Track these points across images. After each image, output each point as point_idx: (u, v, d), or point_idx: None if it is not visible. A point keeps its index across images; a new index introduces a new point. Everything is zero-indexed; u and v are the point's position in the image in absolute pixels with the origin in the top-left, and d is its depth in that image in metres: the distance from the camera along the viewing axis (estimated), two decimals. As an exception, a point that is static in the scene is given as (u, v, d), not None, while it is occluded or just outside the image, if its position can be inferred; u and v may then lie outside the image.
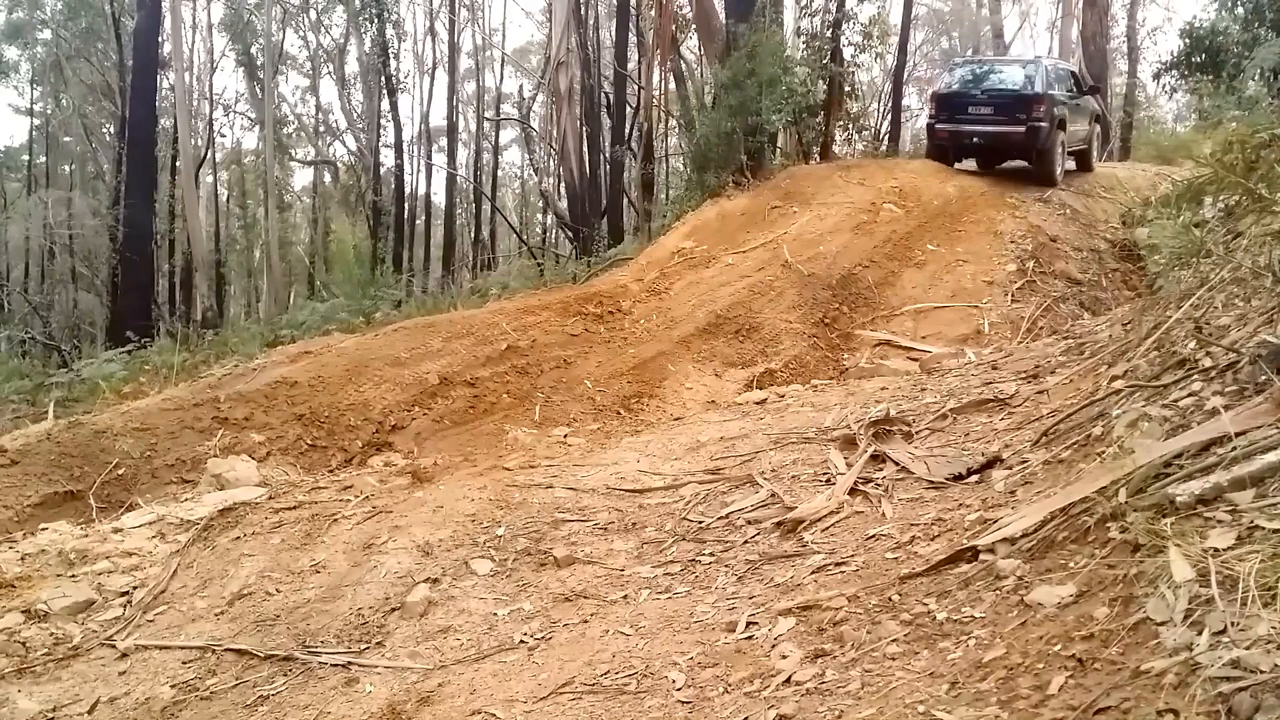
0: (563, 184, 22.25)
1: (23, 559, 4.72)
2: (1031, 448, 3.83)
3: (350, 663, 3.52)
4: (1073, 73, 15.20)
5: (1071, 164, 14.08)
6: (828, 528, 3.75)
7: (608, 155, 21.43)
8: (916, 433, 4.54)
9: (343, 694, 3.34)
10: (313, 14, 31.36)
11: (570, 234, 20.85)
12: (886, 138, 22.28)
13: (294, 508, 5.12)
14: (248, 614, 4.02)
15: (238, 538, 4.80)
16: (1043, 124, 12.60)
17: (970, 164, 14.01)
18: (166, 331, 17.21)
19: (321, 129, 34.67)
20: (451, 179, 30.95)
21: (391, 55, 27.58)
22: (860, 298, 9.76)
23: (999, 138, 12.97)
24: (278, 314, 18.88)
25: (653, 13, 21.06)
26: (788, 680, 2.71)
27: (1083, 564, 2.59)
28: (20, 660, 3.92)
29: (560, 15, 18.41)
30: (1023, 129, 12.62)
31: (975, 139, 13.20)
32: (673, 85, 21.64)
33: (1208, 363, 3.31)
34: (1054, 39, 32.77)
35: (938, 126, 13.70)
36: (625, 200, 22.41)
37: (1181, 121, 25.79)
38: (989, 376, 5.35)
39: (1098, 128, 15.48)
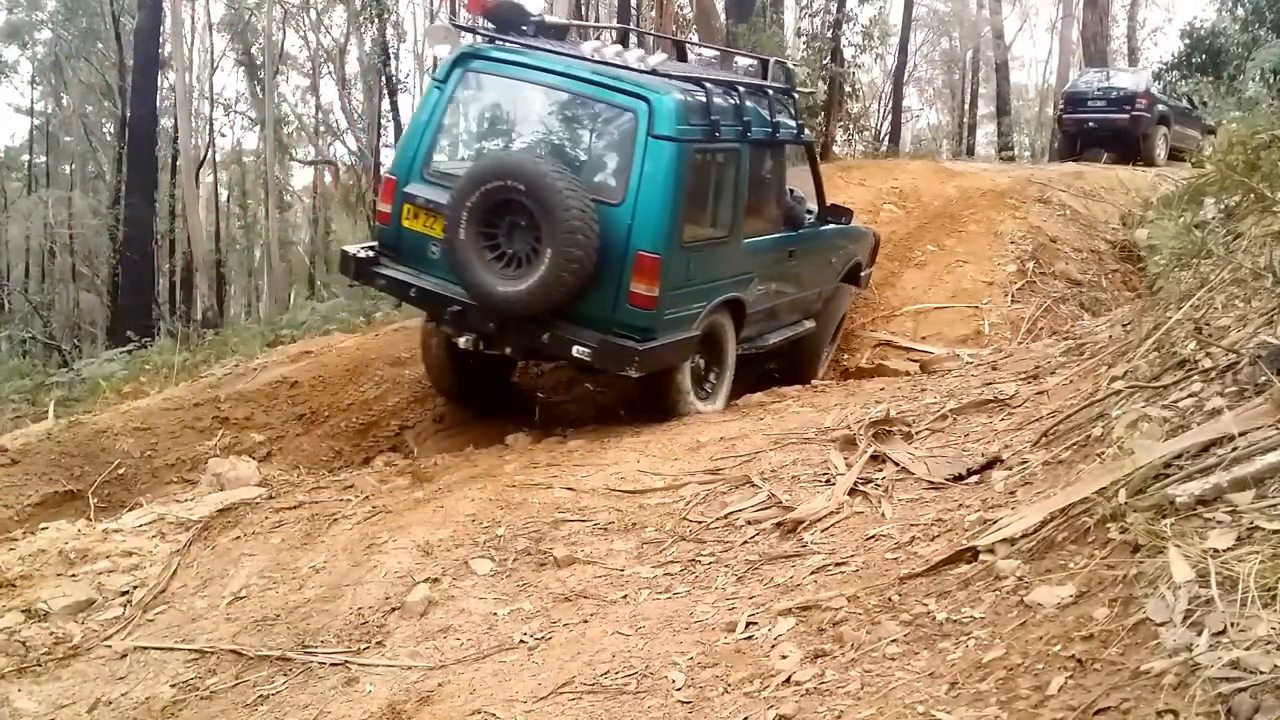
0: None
1: (22, 559, 4.71)
2: (1031, 448, 3.83)
3: (350, 662, 3.52)
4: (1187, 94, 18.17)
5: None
6: (827, 528, 3.75)
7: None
8: (916, 433, 4.54)
9: (343, 693, 3.34)
10: (313, 14, 31.33)
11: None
12: (887, 138, 22.32)
13: (294, 507, 5.11)
14: (248, 613, 4.01)
15: (238, 537, 4.79)
16: (1145, 114, 15.74)
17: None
18: (167, 331, 17.18)
19: (321, 129, 34.64)
20: (452, 179, 30.87)
21: (392, 55, 27.56)
22: (860, 298, 9.74)
23: (1109, 123, 16.22)
24: (278, 314, 18.83)
25: (653, 13, 21.05)
26: (787, 680, 2.71)
27: (1082, 565, 2.59)
28: (20, 660, 3.91)
29: (561, 15, 18.41)
30: (1127, 117, 15.85)
31: (1091, 123, 16.50)
32: (673, 85, 21.59)
33: (1208, 363, 3.31)
34: (1054, 40, 32.79)
35: (1065, 117, 17.16)
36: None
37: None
38: (989, 377, 5.34)
39: (1211, 137, 17.71)
